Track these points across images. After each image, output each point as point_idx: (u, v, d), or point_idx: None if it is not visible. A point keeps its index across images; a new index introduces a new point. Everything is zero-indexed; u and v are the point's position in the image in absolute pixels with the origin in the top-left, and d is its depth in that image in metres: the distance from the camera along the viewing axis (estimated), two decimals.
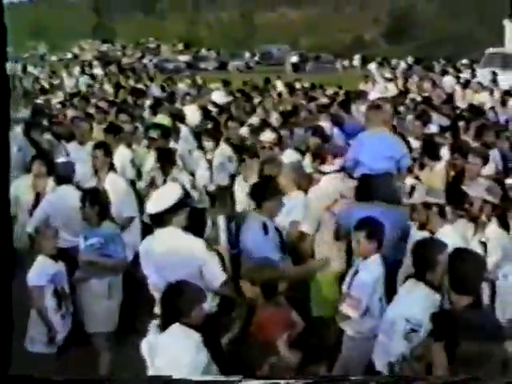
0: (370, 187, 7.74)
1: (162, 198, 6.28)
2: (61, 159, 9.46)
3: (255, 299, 6.49)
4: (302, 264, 7.45)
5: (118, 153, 10.69)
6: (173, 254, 6.09)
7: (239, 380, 4.33)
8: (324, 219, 7.70)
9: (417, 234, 6.77)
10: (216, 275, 6.18)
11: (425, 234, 6.76)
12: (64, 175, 8.85)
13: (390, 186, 7.83)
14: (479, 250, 6.81)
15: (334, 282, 7.15)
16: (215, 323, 6.06)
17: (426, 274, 5.63)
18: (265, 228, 6.97)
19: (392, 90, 22.45)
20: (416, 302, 5.62)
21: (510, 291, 6.61)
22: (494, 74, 25.48)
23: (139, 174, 10.89)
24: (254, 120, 13.61)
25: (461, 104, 18.27)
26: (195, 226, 7.09)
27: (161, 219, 6.20)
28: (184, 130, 13.13)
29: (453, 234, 6.67)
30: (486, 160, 9.44)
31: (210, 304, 6.13)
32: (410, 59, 42.91)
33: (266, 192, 7.18)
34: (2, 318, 4.08)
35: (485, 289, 6.74)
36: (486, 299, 6.77)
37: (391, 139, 8.97)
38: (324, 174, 8.28)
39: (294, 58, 52.39)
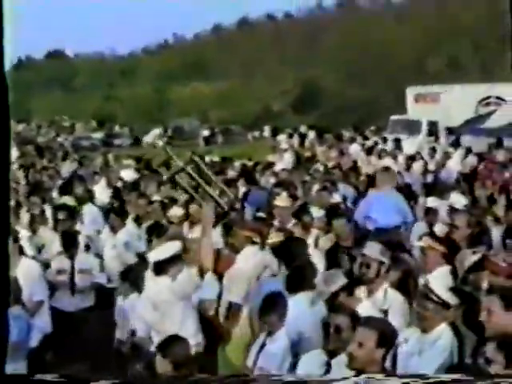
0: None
1: (163, 249, 7.40)
2: None
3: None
4: None
5: None
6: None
7: None
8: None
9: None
10: None
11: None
12: None
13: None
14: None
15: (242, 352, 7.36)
16: None
17: None
18: None
19: (287, 160, 22.89)
20: None
21: (409, 356, 6.73)
22: (399, 140, 26.29)
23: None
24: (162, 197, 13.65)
25: (366, 170, 18.72)
26: (104, 304, 7.29)
27: (160, 267, 7.19)
28: (91, 211, 13.15)
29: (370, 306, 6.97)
30: None
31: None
32: (313, 129, 43.75)
33: None
34: None
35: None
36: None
37: (398, 198, 10.87)
38: None
39: (206, 132, 53.21)
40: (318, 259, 8.55)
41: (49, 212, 12.54)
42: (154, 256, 7.37)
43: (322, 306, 7.06)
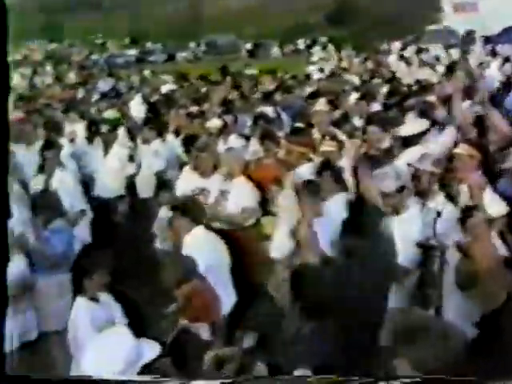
0: None
1: (416, 126, 9.17)
2: None
3: None
4: None
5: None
6: None
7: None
8: None
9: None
10: None
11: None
12: None
13: None
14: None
15: None
16: None
17: None
18: None
19: (327, 69, 22.51)
20: None
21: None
22: (435, 50, 25.86)
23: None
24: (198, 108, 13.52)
25: (408, 81, 18.25)
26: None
27: (410, 140, 8.67)
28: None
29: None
30: None
31: None
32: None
33: None
34: None
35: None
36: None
37: None
38: None
39: (248, 46, 53.06)
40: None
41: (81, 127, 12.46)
42: (407, 131, 8.90)
43: None
